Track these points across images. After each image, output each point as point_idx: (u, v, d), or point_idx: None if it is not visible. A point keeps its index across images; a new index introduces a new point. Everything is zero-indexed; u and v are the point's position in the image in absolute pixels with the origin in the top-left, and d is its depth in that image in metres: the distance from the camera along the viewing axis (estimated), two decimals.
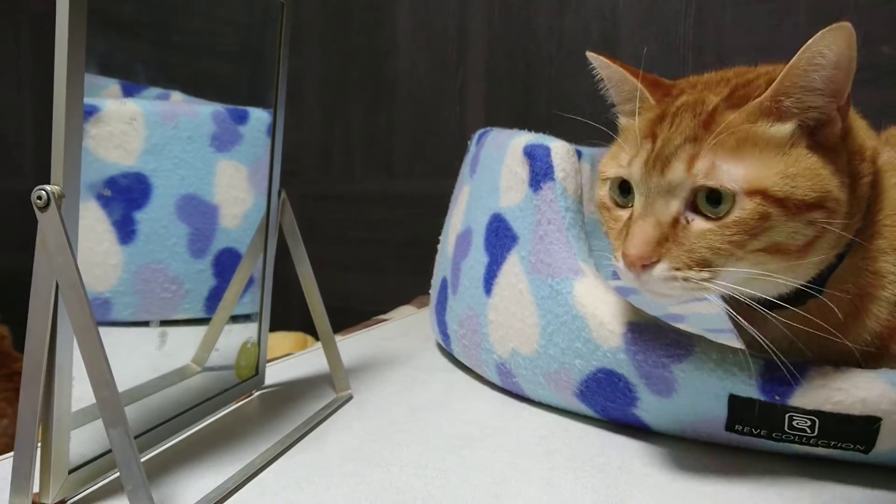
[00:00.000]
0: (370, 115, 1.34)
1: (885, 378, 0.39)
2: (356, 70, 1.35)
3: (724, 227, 0.38)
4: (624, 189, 0.42)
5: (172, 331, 0.67)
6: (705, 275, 0.38)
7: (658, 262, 0.38)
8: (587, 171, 0.99)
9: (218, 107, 0.73)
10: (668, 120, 0.41)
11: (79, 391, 0.38)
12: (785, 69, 0.38)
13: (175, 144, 0.67)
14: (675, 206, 0.39)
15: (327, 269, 1.42)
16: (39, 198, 0.33)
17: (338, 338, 0.82)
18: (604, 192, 0.44)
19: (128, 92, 0.99)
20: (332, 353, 0.57)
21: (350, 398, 0.56)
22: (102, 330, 0.68)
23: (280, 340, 1.27)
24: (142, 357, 0.60)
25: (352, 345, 0.75)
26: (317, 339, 1.32)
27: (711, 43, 1.09)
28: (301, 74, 1.38)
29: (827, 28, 0.37)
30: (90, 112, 0.63)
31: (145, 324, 0.69)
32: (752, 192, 0.37)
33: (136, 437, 0.43)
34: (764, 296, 0.40)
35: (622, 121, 0.46)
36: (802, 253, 0.39)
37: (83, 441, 0.38)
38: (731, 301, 0.40)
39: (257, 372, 0.56)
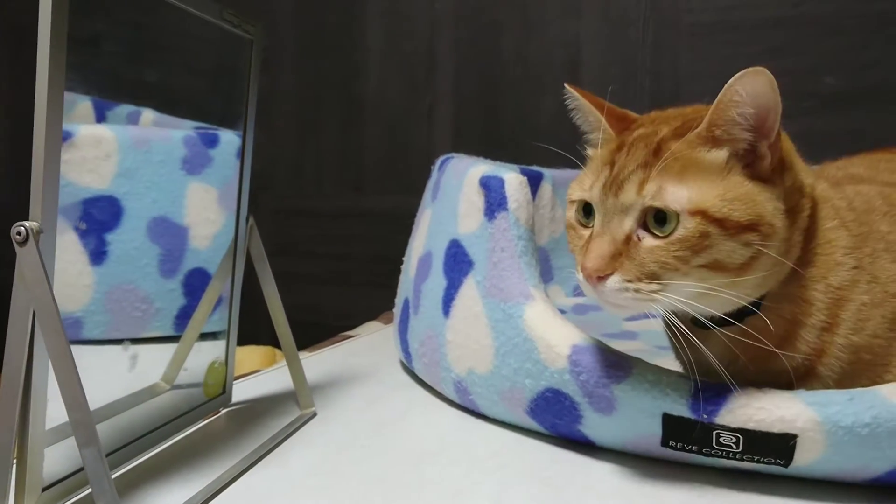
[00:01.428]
0: (341, 133, 1.37)
1: (801, 398, 0.43)
2: (328, 89, 1.38)
3: (669, 243, 0.42)
4: (587, 211, 0.47)
5: (142, 349, 0.69)
6: (654, 287, 0.42)
7: (612, 274, 0.42)
8: (549, 192, 1.03)
9: (189, 131, 0.76)
10: (625, 149, 0.45)
11: (52, 410, 0.41)
12: (714, 104, 0.43)
13: (147, 168, 0.69)
14: (627, 224, 0.43)
15: (298, 284, 1.44)
16: (19, 233, 0.35)
17: (305, 354, 0.85)
18: (570, 214, 0.48)
19: (99, 109, 1.01)
20: (296, 372, 0.60)
21: (314, 415, 0.59)
22: (74, 349, 0.70)
23: (249, 354, 1.29)
24: (113, 375, 0.62)
25: (318, 361, 0.78)
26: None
27: (668, 69, 1.13)
28: (274, 92, 1.40)
29: (745, 70, 0.41)
30: (64, 138, 0.64)
31: (117, 342, 0.71)
32: (693, 213, 0.42)
33: (108, 455, 0.46)
34: (710, 311, 0.44)
35: (589, 151, 0.50)
36: (741, 271, 0.43)
37: (56, 459, 0.40)
38: (680, 317, 0.44)
39: (224, 390, 0.59)
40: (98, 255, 0.67)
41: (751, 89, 0.41)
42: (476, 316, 0.56)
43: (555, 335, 0.50)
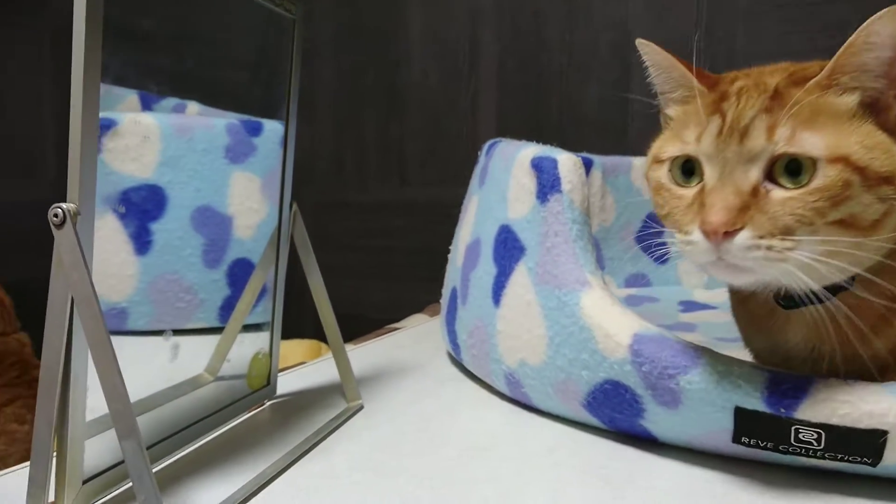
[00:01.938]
0: (383, 124, 1.35)
1: (891, 391, 0.39)
2: (369, 80, 1.36)
3: (807, 194, 0.38)
4: (685, 169, 0.42)
5: (186, 340, 0.68)
6: (788, 244, 0.38)
7: (741, 229, 0.38)
8: (598, 180, 1.00)
9: (232, 119, 0.75)
10: (731, 99, 0.41)
11: (93, 401, 0.39)
12: (842, 48, 0.39)
13: (190, 157, 0.68)
14: (754, 174, 0.39)
15: (340, 277, 1.43)
16: (56, 215, 0.34)
17: (350, 347, 0.83)
18: (660, 174, 0.44)
19: (146, 102, 1.01)
20: (342, 364, 0.58)
21: (360, 408, 0.57)
22: (118, 339, 0.70)
23: (294, 348, 1.28)
24: (156, 366, 0.62)
25: (364, 354, 0.76)
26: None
27: (723, 52, 1.08)
28: (314, 84, 1.39)
29: (885, 9, 0.37)
30: (107, 126, 0.64)
31: (160, 333, 0.70)
32: (834, 160, 0.38)
33: (149, 448, 0.44)
34: (831, 277, 0.39)
35: (671, 109, 0.46)
36: (871, 230, 0.39)
37: (97, 451, 0.39)
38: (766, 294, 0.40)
39: (269, 382, 0.57)
40: (142, 244, 0.66)
41: (892, 30, 0.38)
42: (528, 304, 0.53)
43: (614, 323, 0.47)
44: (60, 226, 0.34)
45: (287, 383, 0.63)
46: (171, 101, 1.06)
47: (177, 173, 0.68)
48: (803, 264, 0.38)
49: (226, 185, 0.72)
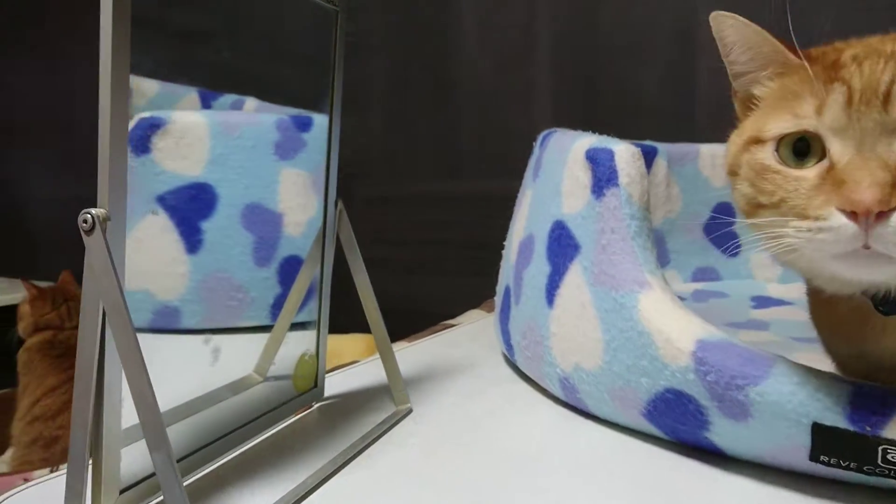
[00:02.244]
0: (435, 115, 1.33)
1: None
2: (420, 71, 1.34)
3: None
4: (797, 149, 0.37)
5: (237, 339, 0.67)
6: None
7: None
8: (663, 170, 0.95)
9: (282, 115, 0.74)
10: (850, 67, 0.36)
11: (130, 408, 0.39)
12: None
13: (239, 154, 0.68)
14: None
15: (395, 272, 1.42)
16: (85, 221, 0.33)
17: (405, 344, 0.82)
18: (763, 155, 0.39)
19: (204, 100, 1.02)
20: (390, 366, 0.56)
21: (409, 412, 0.55)
22: (170, 339, 0.70)
23: (352, 343, 1.28)
24: (207, 365, 0.61)
25: (417, 352, 0.74)
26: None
27: (799, 29, 1.01)
28: (365, 77, 1.38)
29: None
30: (157, 125, 0.64)
31: (213, 331, 0.70)
32: None
33: (195, 452, 0.44)
34: None
35: (759, 88, 0.42)
36: None
37: (135, 459, 0.38)
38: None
39: (316, 384, 0.56)
40: (193, 243, 0.66)
41: None
42: (583, 306, 0.50)
43: (676, 328, 0.43)
44: (90, 232, 0.33)
45: (337, 384, 0.61)
46: (230, 98, 1.06)
47: (226, 171, 0.67)
48: None
49: (275, 181, 0.71)
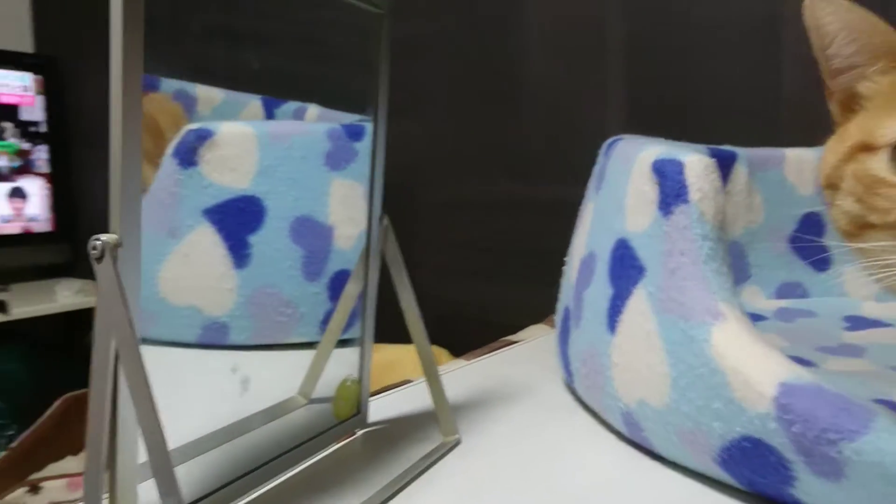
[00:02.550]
0: (502, 119, 1.28)
1: None
2: (486, 73, 1.30)
3: None
4: None
5: (284, 355, 0.65)
6: None
7: None
8: (744, 176, 0.87)
9: (334, 124, 0.71)
10: None
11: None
12: None
13: (288, 165, 0.65)
14: None
15: (458, 279, 1.39)
16: (94, 248, 0.31)
17: (461, 363, 0.78)
18: (874, 165, 0.34)
19: (268, 107, 1.01)
20: (437, 394, 0.53)
21: (457, 443, 0.51)
22: (219, 354, 0.68)
23: (413, 354, 1.25)
24: (251, 385, 0.59)
25: (471, 372, 0.70)
26: (453, 354, 1.28)
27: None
28: (431, 80, 1.35)
29: None
30: (204, 136, 0.62)
31: (264, 347, 0.68)
32: None
33: (231, 482, 0.42)
34: None
35: (866, 85, 0.36)
36: None
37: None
38: None
39: (359, 410, 0.53)
40: (241, 257, 0.64)
41: None
42: (647, 335, 0.45)
43: (754, 367, 0.38)
44: (99, 259, 0.31)
45: (384, 407, 0.58)
46: (293, 105, 1.05)
47: (274, 183, 0.65)
48: None
49: (326, 193, 0.69)
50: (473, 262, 1.37)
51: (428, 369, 0.53)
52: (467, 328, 1.37)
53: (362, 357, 0.53)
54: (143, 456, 0.36)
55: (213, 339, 0.66)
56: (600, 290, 0.51)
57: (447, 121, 1.36)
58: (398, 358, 1.27)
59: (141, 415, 0.31)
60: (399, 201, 1.53)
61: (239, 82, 0.92)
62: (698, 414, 0.41)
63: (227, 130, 0.63)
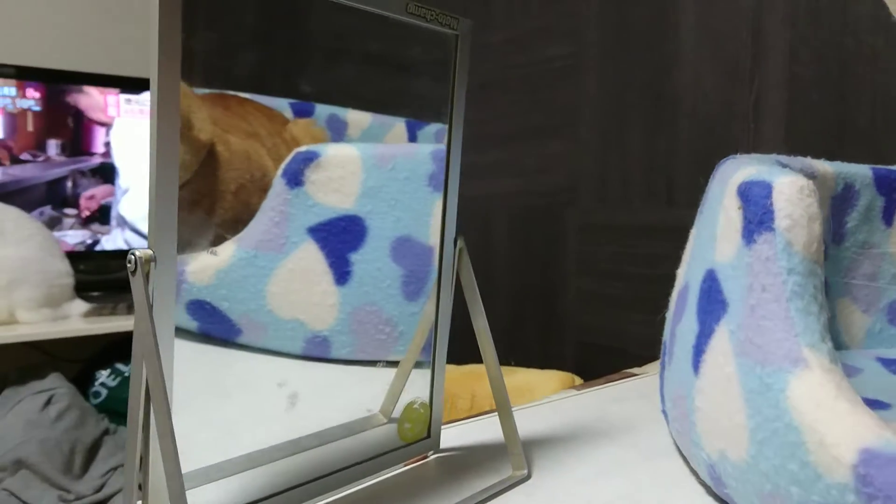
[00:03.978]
0: (650, 137, 1.22)
1: None
2: (635, 90, 1.24)
3: None
4: None
5: (389, 372, 0.66)
6: None
7: None
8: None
9: (439, 145, 0.71)
10: None
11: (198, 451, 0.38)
12: None
13: (391, 186, 0.67)
14: None
15: (601, 306, 1.33)
16: (129, 262, 0.33)
17: (571, 392, 0.74)
18: None
19: (411, 129, 1.04)
20: (508, 426, 0.50)
21: (525, 479, 0.48)
22: (322, 366, 0.70)
23: (546, 379, 1.22)
24: (338, 399, 0.61)
25: (571, 405, 0.67)
26: (585, 380, 1.23)
27: None
28: (579, 99, 1.32)
29: None
30: (310, 158, 0.65)
31: (366, 363, 0.69)
32: None
33: (290, 490, 0.43)
34: None
35: None
36: None
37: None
38: None
39: (429, 434, 0.52)
40: (342, 274, 0.66)
41: None
42: (728, 379, 0.40)
43: (835, 426, 0.32)
44: (133, 273, 0.33)
45: (464, 434, 0.57)
46: (434, 127, 1.08)
47: (377, 203, 0.66)
48: None
49: (428, 214, 0.69)
50: (618, 289, 1.31)
51: (499, 400, 0.51)
52: (603, 356, 1.31)
53: (433, 380, 0.52)
54: (215, 458, 0.39)
55: (317, 352, 0.69)
56: (689, 325, 0.46)
57: (597, 141, 1.32)
58: (532, 382, 1.25)
59: (160, 432, 0.32)
60: (547, 223, 1.51)
61: (385, 106, 0.96)
62: (775, 474, 0.35)
63: (332, 153, 0.66)
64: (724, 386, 0.40)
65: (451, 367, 1.28)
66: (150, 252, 0.33)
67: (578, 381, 1.17)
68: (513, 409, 0.68)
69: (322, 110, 1.20)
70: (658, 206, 1.21)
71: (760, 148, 1.06)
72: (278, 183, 0.66)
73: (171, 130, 0.33)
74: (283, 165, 0.66)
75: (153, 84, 0.33)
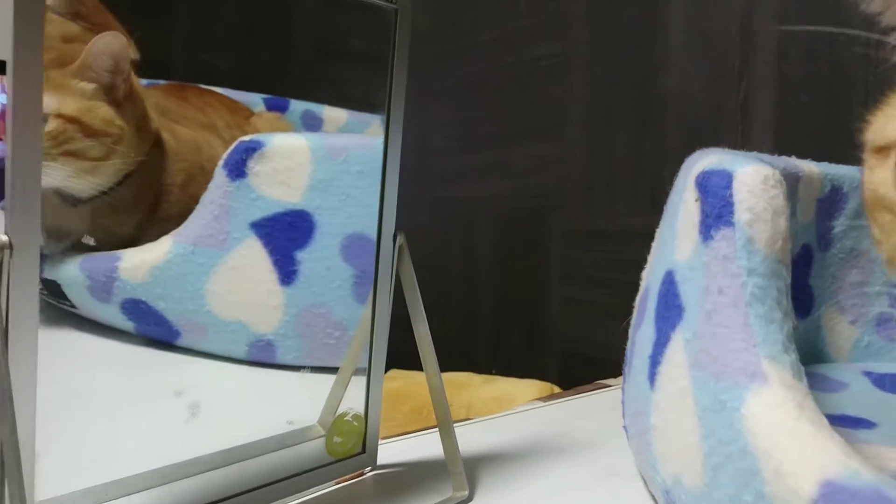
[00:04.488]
0: (637, 140, 1.17)
1: None
2: (622, 92, 1.20)
3: None
4: None
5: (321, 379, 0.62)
6: None
7: None
8: None
9: None
10: None
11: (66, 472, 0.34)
12: None
13: (343, 179, 0.62)
14: None
15: (586, 314, 1.28)
16: None
17: (535, 404, 0.70)
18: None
19: None
20: (448, 443, 0.46)
21: (466, 500, 0.44)
22: (264, 372, 0.65)
23: (525, 389, 1.17)
24: (275, 408, 0.56)
25: (531, 418, 0.62)
26: (563, 387, 1.18)
27: None
28: (566, 101, 1.27)
29: None
30: (254, 148, 0.61)
31: (313, 368, 0.65)
32: None
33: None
34: None
35: None
36: None
37: None
38: None
39: (364, 449, 0.47)
40: (288, 274, 0.61)
41: None
42: (682, 394, 0.35)
43: (794, 454, 0.27)
44: None
45: (411, 450, 0.52)
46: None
47: (327, 197, 0.62)
48: None
49: None
50: (604, 296, 1.26)
51: (440, 415, 0.46)
52: (587, 366, 1.26)
53: (369, 389, 0.47)
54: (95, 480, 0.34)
55: (261, 356, 0.64)
56: (647, 333, 0.42)
57: (582, 143, 1.27)
58: (511, 391, 1.20)
59: (3, 421, 0.28)
60: (532, 227, 1.46)
61: (362, 104, 0.92)
62: (730, 503, 0.31)
63: (278, 143, 0.61)
64: (678, 402, 0.35)
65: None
66: (5, 238, 0.29)
67: (558, 391, 1.13)
68: (472, 421, 0.63)
69: (297, 106, 1.15)
70: (644, 210, 1.16)
71: (748, 150, 1.02)
72: (219, 174, 0.61)
73: (29, 109, 0.29)
74: (224, 155, 0.61)
75: (9, 67, 0.28)
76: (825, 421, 0.28)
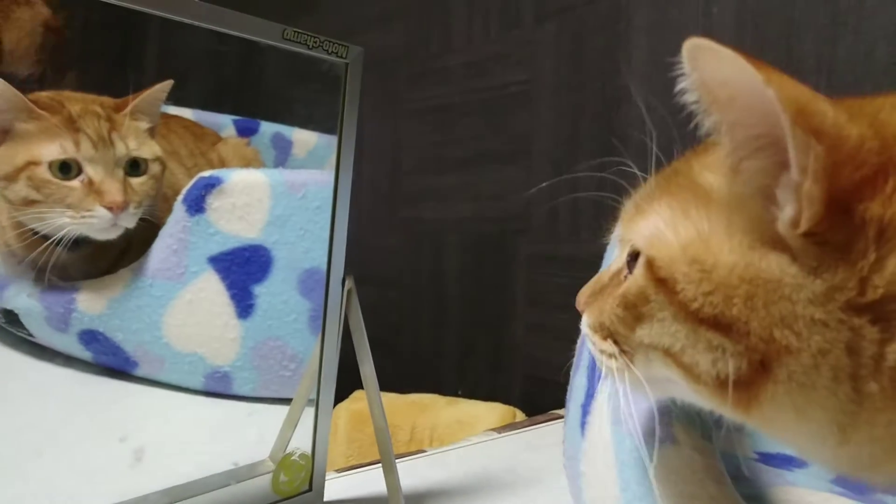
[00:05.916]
0: (600, 168, 1.20)
1: None
2: (587, 122, 1.22)
3: None
4: None
5: (267, 411, 0.63)
6: None
7: None
8: None
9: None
10: None
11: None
12: None
13: (301, 215, 0.63)
14: None
15: (549, 339, 1.30)
16: None
17: (492, 434, 0.71)
18: None
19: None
20: (391, 482, 0.47)
21: None
22: (224, 403, 0.66)
23: (488, 412, 1.19)
24: (228, 442, 0.57)
25: (480, 451, 0.64)
26: (528, 414, 1.19)
27: None
28: (532, 128, 1.30)
29: None
30: (213, 184, 0.62)
31: (272, 401, 0.65)
32: None
33: None
34: None
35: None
36: None
37: None
38: None
39: (311, 487, 0.48)
40: (245, 307, 0.62)
41: None
42: (605, 448, 0.37)
43: None
44: None
45: (360, 485, 0.53)
46: None
47: (285, 233, 0.63)
48: None
49: None
50: (570, 321, 1.27)
51: (383, 454, 0.47)
52: (550, 390, 1.28)
53: (316, 427, 0.48)
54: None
55: (217, 387, 0.65)
56: (580, 380, 0.43)
57: (547, 170, 1.29)
58: (475, 415, 1.21)
59: None
60: (497, 251, 1.48)
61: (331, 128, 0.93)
62: None
63: (237, 179, 0.62)
64: (603, 453, 0.37)
65: (394, 397, 1.24)
66: None
67: (521, 415, 1.14)
68: (422, 454, 0.65)
69: (267, 128, 1.16)
70: (606, 239, 1.19)
71: None
72: (178, 209, 0.62)
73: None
74: (183, 191, 0.62)
75: None
76: (727, 480, 0.30)
